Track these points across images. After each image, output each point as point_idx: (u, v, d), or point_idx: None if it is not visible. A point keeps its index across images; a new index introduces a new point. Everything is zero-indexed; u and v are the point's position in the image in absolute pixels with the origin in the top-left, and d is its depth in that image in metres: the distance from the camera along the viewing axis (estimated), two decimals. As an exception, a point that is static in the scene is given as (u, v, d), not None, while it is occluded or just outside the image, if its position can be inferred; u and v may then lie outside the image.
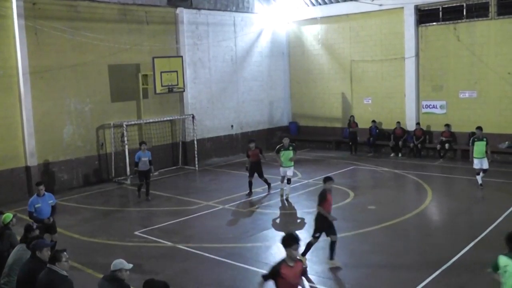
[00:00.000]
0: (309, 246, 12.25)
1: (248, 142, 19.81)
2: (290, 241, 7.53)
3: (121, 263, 7.68)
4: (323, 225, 12.10)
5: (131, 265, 7.75)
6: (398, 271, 11.82)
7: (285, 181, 18.58)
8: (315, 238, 12.21)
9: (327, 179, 12.36)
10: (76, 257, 12.45)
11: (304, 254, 12.13)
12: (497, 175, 20.57)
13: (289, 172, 18.42)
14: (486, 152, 18.88)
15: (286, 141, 18.65)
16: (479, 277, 11.10)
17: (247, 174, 19.35)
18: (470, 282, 10.99)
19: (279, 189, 19.00)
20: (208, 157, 26.53)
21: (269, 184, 19.46)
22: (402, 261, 12.44)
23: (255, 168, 19.19)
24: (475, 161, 18.96)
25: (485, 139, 18.86)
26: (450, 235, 14.37)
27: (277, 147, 18.86)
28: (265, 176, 19.36)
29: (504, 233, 13.79)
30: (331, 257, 12.15)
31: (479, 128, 19.32)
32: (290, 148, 18.55)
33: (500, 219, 15.09)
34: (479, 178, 18.96)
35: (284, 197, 18.50)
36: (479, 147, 18.81)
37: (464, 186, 20.25)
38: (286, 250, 7.53)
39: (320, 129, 30.43)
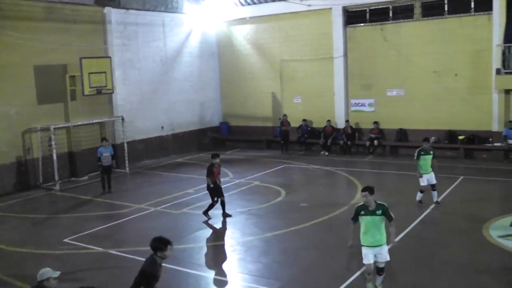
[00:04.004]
0: None
1: (212, 157, 16.18)
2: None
3: (48, 272, 7.47)
4: None
5: (58, 273, 7.55)
6: (331, 266, 12.03)
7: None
8: None
9: None
10: (3, 268, 12.04)
11: None
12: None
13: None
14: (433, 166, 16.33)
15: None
16: (408, 267, 11.47)
17: (208, 182, 16.08)
18: (400, 272, 11.27)
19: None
20: (139, 159, 26.17)
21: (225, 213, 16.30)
22: (334, 255, 12.66)
23: (219, 189, 16.20)
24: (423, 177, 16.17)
25: (432, 152, 16.23)
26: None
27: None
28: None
29: (431, 223, 14.34)
30: None
31: (426, 139, 16.66)
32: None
33: (428, 211, 15.65)
34: (419, 196, 16.41)
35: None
36: (426, 161, 16.13)
37: (393, 181, 20.80)
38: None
39: (251, 129, 30.60)
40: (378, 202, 10.02)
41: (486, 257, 12.11)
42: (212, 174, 15.87)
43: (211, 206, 16.11)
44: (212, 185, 15.88)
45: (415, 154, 16.26)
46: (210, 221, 15.94)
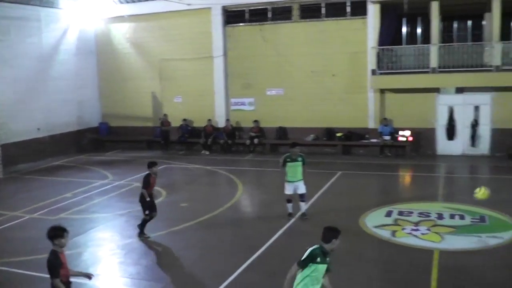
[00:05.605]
0: None
1: (149, 166, 14.09)
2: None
3: None
4: None
5: None
6: (212, 264, 12.13)
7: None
8: None
9: None
10: None
11: None
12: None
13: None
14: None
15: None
16: (288, 262, 11.70)
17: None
18: (280, 267, 11.44)
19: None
20: (13, 163, 24.82)
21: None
22: (215, 254, 12.81)
23: (152, 201, 14.25)
24: (286, 185, 14.65)
25: (300, 159, 14.38)
26: (260, 224, 15.03)
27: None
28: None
29: (308, 218, 14.76)
30: None
31: (294, 145, 14.81)
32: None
33: (306, 207, 15.99)
34: (289, 207, 14.99)
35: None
36: (292, 169, 14.39)
37: (273, 178, 21.15)
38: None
39: (132, 129, 30.16)
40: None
41: (363, 247, 12.85)
42: (149, 185, 13.98)
43: (144, 222, 14.10)
44: (148, 199, 13.94)
45: (281, 161, 14.67)
46: (88, 226, 15.48)
